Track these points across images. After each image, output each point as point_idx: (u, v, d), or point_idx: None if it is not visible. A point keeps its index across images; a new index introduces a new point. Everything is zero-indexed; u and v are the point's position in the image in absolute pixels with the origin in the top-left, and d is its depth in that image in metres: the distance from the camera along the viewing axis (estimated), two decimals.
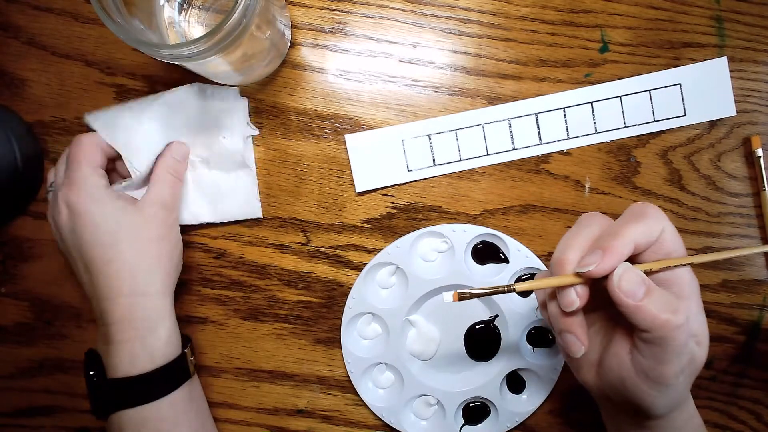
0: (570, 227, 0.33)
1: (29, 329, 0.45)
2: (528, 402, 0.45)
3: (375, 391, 0.46)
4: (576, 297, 0.30)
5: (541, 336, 0.45)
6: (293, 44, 0.43)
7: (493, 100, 0.43)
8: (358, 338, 0.46)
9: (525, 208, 0.44)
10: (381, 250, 0.44)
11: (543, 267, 0.44)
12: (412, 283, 0.44)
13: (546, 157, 0.44)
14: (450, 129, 0.43)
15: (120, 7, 0.33)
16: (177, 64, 0.36)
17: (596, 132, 0.44)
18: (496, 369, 0.45)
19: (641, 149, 0.44)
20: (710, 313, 0.45)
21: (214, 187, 0.43)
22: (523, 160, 0.44)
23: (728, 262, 0.45)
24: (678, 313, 0.28)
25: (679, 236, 0.31)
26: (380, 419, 0.46)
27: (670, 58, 0.43)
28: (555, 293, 0.31)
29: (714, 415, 0.46)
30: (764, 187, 0.43)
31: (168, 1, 0.38)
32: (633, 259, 0.30)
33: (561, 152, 0.44)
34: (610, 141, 0.44)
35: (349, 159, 0.44)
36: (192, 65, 0.36)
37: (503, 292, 0.30)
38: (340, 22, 0.43)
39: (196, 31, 0.39)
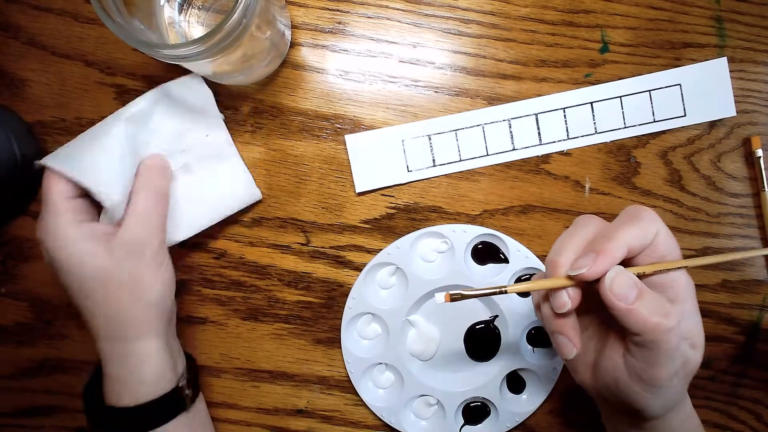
0: (569, 228, 0.33)
1: (29, 329, 0.45)
2: (528, 402, 0.45)
3: (375, 391, 0.46)
4: (568, 299, 0.30)
5: (541, 336, 0.45)
6: (293, 44, 0.43)
7: (493, 100, 0.43)
8: (358, 338, 0.46)
9: (525, 209, 0.44)
10: (381, 250, 0.44)
11: (543, 267, 0.44)
12: (412, 283, 0.44)
13: (546, 158, 0.44)
14: (450, 129, 0.43)
15: (120, 7, 0.33)
16: (177, 64, 0.36)
17: (596, 132, 0.44)
18: (496, 369, 0.45)
19: (641, 149, 0.44)
20: (710, 313, 0.45)
21: (204, 189, 0.41)
22: (523, 160, 0.44)
23: (728, 263, 0.45)
24: (669, 316, 0.28)
25: (674, 239, 0.31)
26: (380, 419, 0.46)
27: (670, 59, 0.43)
28: (548, 295, 0.31)
29: (714, 415, 0.46)
30: (764, 187, 0.43)
31: (168, 1, 0.38)
32: (627, 262, 0.30)
33: (561, 152, 0.44)
34: (610, 141, 0.44)
35: (349, 159, 0.44)
36: (192, 65, 0.36)
37: (495, 293, 0.30)
38: (340, 23, 0.43)
39: (196, 31, 0.39)
